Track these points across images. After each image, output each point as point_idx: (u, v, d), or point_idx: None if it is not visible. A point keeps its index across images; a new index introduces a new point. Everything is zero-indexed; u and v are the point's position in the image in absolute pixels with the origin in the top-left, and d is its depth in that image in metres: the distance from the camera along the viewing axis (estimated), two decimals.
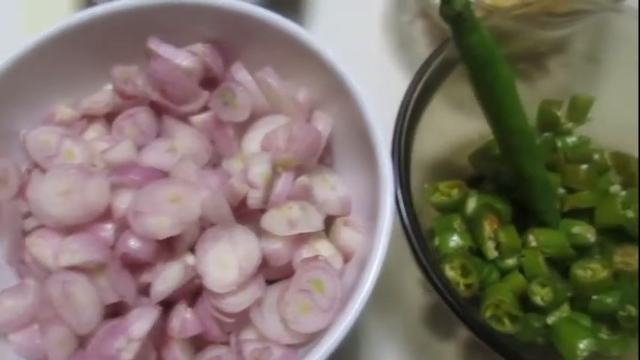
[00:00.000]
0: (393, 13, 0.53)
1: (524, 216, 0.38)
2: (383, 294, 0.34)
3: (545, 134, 0.42)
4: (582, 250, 0.37)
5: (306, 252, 0.31)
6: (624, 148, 0.41)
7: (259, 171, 0.30)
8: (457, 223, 0.38)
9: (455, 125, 0.40)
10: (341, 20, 0.51)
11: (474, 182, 0.40)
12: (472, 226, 0.37)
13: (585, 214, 0.38)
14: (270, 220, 0.31)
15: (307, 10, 0.53)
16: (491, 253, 0.36)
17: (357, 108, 0.32)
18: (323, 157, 0.35)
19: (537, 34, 0.40)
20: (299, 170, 0.33)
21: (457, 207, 0.38)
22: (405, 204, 0.31)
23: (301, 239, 0.31)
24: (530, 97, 0.42)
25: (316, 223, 0.31)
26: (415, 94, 0.34)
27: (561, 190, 0.39)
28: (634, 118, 0.42)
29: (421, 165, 0.40)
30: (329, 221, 0.34)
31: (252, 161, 0.31)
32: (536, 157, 0.36)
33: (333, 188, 0.34)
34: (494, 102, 0.34)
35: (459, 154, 0.42)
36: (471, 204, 0.39)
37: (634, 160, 0.39)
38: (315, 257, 0.30)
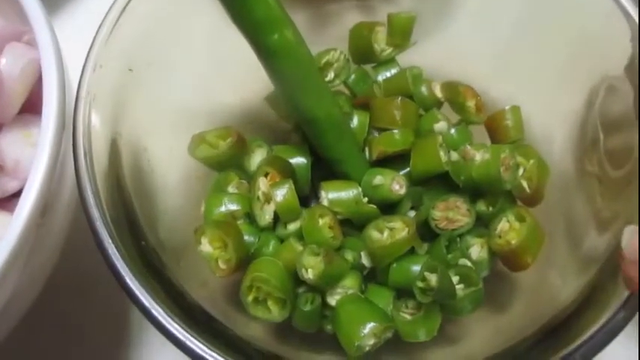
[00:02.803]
0: None
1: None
2: None
3: (364, 66, 0.33)
4: (390, 209, 0.28)
5: None
6: (472, 78, 0.33)
7: None
8: (234, 183, 0.29)
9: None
10: None
11: None
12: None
13: (405, 162, 0.30)
14: None
15: None
16: (263, 218, 0.27)
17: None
18: (35, 105, 0.27)
19: None
20: None
21: (235, 162, 0.30)
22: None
23: None
24: None
25: None
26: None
27: (375, 134, 0.31)
28: (483, 44, 0.34)
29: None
30: None
31: None
32: (321, 91, 0.28)
33: (33, 145, 0.26)
34: (238, 8, 0.25)
35: None
36: (257, 158, 0.30)
37: (464, 89, 0.31)
38: None
